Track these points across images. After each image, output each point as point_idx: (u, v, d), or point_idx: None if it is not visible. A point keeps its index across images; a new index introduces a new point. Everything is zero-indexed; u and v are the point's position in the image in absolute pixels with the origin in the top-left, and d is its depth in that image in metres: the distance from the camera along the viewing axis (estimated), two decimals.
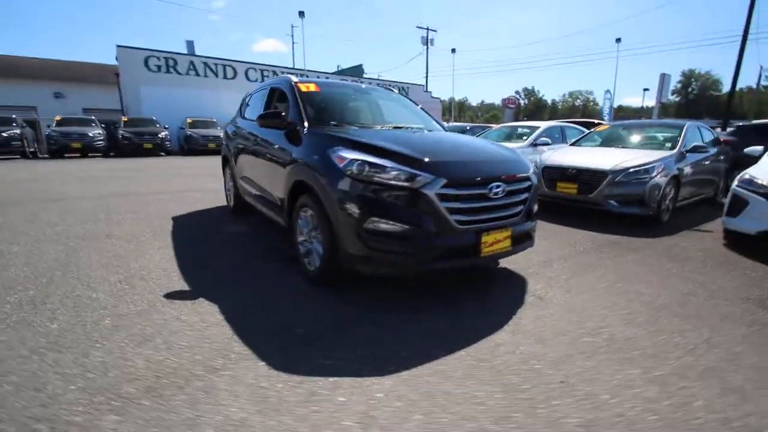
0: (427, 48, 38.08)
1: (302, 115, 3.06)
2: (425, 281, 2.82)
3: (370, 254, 2.26)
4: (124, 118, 15.34)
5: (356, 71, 35.52)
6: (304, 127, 2.95)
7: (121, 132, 14.30)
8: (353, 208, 2.24)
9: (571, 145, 6.60)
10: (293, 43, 43.81)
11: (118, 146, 14.30)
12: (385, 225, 2.20)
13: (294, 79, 3.50)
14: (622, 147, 5.96)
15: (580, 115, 77.76)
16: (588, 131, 7.37)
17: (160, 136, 14.87)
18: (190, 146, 15.95)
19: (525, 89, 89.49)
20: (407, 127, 3.39)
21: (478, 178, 2.35)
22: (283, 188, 3.05)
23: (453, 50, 33.78)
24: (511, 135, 8.72)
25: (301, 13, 24.13)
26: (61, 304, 2.39)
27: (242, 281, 2.85)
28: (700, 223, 5.20)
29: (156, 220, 4.55)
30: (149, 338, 2.02)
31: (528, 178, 2.66)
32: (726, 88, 74.11)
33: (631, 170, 4.85)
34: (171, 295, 2.55)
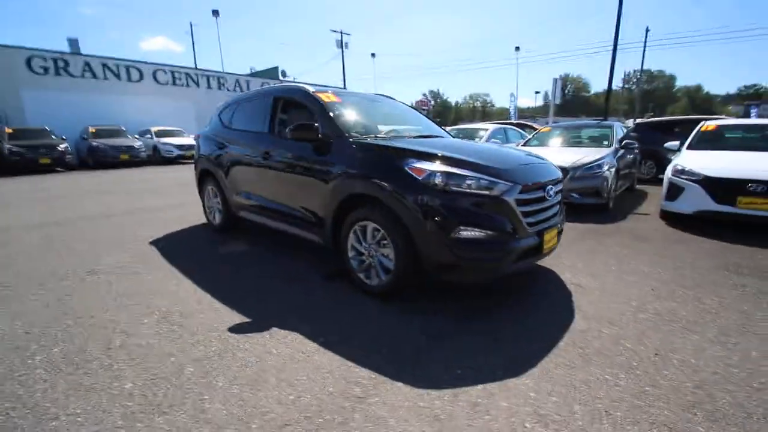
0: (342, 52, 38.34)
1: (336, 126, 2.98)
2: (460, 288, 2.95)
3: (458, 262, 2.33)
4: (9, 129, 12.69)
5: (271, 74, 34.31)
6: (346, 139, 2.88)
7: (7, 146, 11.80)
8: (440, 219, 2.29)
9: (522, 146, 7.31)
10: (194, 42, 40.80)
11: (5, 163, 11.79)
12: (471, 233, 2.29)
13: (310, 88, 3.37)
14: (569, 146, 6.81)
15: (480, 115, 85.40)
16: (531, 133, 8.24)
17: (59, 148, 12.63)
18: (97, 159, 13.88)
19: (431, 92, 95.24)
20: (432, 135, 3.50)
21: (540, 183, 2.57)
22: (323, 204, 2.94)
23: (372, 54, 34.48)
24: (456, 137, 9.31)
25: (215, 12, 22.36)
26: (112, 358, 2.02)
27: (295, 303, 2.68)
28: (634, 208, 6.18)
29: (130, 248, 3.96)
30: (259, 379, 1.84)
31: (561, 180, 2.96)
32: (593, 90, 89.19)
33: (587, 166, 5.60)
34: (236, 329, 2.31)
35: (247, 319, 2.45)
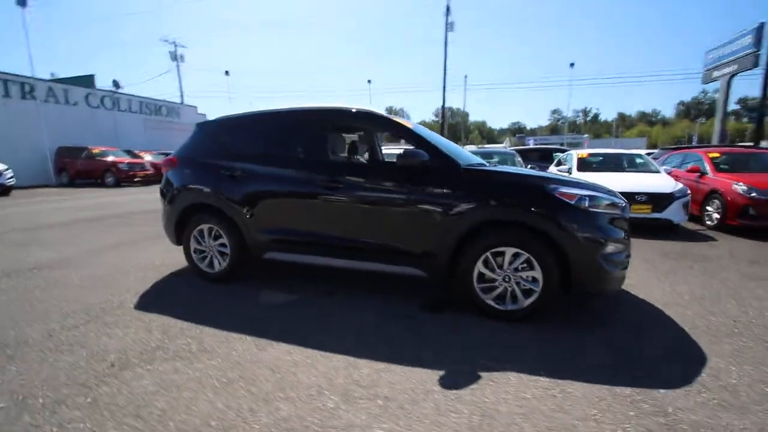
0: (178, 64, 34.29)
1: (443, 154, 2.93)
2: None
3: (606, 274, 2.62)
4: None
5: (83, 81, 27.93)
6: (459, 166, 2.86)
7: None
8: (593, 238, 2.56)
9: None
10: None
11: None
12: (614, 245, 2.64)
13: (380, 111, 3.17)
14: None
15: None
16: None
17: None
18: None
19: None
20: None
21: None
22: (436, 234, 2.82)
23: (227, 72, 31.76)
24: None
25: (22, 1, 16.13)
26: None
27: (452, 343, 2.48)
28: None
29: (124, 321, 2.78)
30: (563, 425, 1.71)
31: None
32: (414, 120, 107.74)
33: None
34: (451, 385, 2.02)
35: (439, 372, 2.15)
